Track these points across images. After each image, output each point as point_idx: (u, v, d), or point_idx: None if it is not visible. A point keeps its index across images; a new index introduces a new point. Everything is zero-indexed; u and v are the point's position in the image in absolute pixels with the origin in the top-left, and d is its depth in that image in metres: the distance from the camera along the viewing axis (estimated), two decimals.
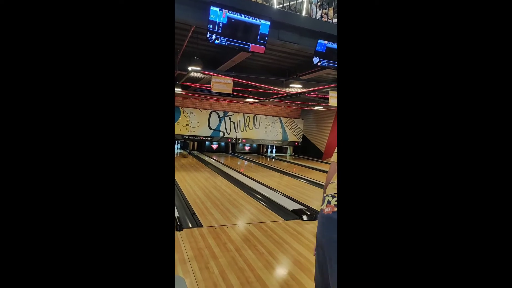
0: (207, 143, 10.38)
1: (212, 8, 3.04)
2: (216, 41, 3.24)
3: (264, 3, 4.37)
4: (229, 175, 5.89)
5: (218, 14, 3.11)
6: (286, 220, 3.11)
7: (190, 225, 2.77)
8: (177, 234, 2.51)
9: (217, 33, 3.19)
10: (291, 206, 3.63)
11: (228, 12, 3.14)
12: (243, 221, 3.01)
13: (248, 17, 3.27)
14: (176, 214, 2.94)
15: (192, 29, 3.78)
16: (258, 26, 3.34)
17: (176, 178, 5.18)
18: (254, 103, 9.72)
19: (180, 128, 9.63)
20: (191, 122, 9.80)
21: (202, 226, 2.76)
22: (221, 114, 10.25)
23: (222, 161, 8.14)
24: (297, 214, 3.30)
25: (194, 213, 3.13)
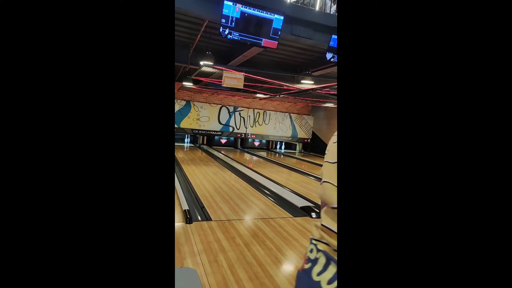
0: (216, 137, 10.45)
1: (225, 2, 3.02)
2: (229, 36, 3.23)
3: None
4: (238, 170, 5.92)
5: (232, 9, 3.09)
6: (294, 216, 3.12)
7: (200, 218, 2.81)
8: (187, 226, 2.55)
9: (230, 28, 3.18)
10: (299, 203, 3.62)
11: (242, 7, 3.12)
12: (251, 216, 3.03)
13: (261, 12, 3.24)
14: (186, 207, 2.99)
15: (205, 23, 3.78)
16: (271, 20, 3.31)
17: (186, 171, 5.25)
18: (264, 98, 9.69)
19: (190, 122, 9.71)
20: (201, 116, 9.86)
21: (211, 219, 2.79)
22: (231, 109, 10.26)
23: (231, 156, 8.18)
24: (305, 211, 3.29)
25: (204, 207, 3.17)
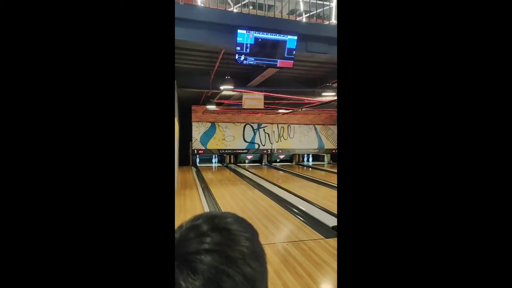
0: (242, 155, 10.58)
1: (239, 31, 3.15)
2: (245, 62, 3.33)
3: (291, 16, 4.40)
4: (265, 188, 5.89)
5: (245, 36, 3.21)
6: (326, 238, 2.99)
7: None
8: None
9: (245, 54, 3.29)
10: (331, 221, 3.48)
11: (255, 33, 3.23)
12: (280, 240, 2.97)
13: (274, 35, 3.31)
14: None
15: (222, 51, 3.95)
16: (284, 42, 3.37)
17: (214, 193, 5.35)
18: (287, 113, 9.70)
19: (216, 143, 9.98)
20: (227, 136, 10.10)
21: None
22: (255, 126, 10.39)
23: (257, 173, 8.19)
24: (337, 231, 3.15)
25: None
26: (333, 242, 2.88)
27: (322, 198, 4.97)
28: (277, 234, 3.14)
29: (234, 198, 5.01)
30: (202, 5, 3.73)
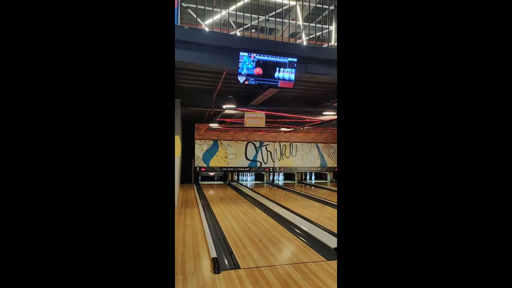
0: (244, 173, 10.55)
1: (241, 53, 3.26)
2: (246, 82, 3.42)
3: (291, 39, 4.56)
4: (267, 207, 5.81)
5: (247, 58, 3.32)
6: (328, 260, 2.90)
7: (228, 267, 2.74)
8: (215, 277, 2.50)
9: (247, 75, 3.38)
10: (333, 243, 3.39)
11: (257, 55, 3.34)
12: (282, 262, 2.88)
13: (275, 57, 3.42)
14: (214, 255, 2.95)
15: (225, 72, 4.07)
16: (285, 63, 3.47)
17: (215, 212, 5.28)
18: (289, 131, 9.76)
19: (218, 160, 9.99)
20: (229, 154, 10.12)
21: (239, 267, 2.70)
22: (257, 144, 10.43)
23: (259, 192, 8.11)
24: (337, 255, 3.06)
25: (232, 252, 3.10)
26: (335, 264, 2.79)
27: (325, 218, 4.88)
28: (278, 256, 3.06)
29: (235, 217, 4.93)
30: (207, 28, 3.89)
